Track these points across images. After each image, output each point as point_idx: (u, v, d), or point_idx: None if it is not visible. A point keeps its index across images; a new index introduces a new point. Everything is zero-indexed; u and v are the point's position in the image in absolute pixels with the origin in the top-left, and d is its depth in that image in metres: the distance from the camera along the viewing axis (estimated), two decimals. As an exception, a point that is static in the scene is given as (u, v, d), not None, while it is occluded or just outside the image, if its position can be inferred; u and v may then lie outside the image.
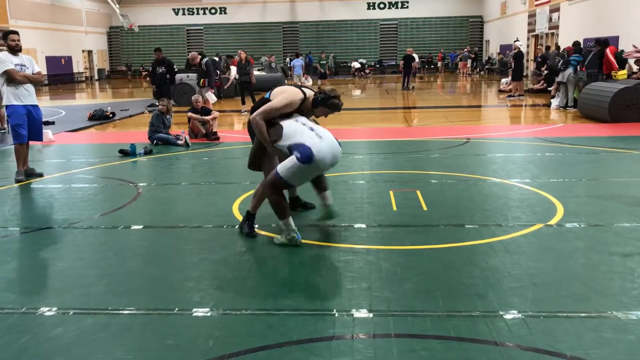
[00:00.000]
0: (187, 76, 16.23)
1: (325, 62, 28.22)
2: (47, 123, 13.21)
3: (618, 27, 19.73)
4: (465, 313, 3.44)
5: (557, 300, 3.60)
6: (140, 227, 5.38)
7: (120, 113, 16.50)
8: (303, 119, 4.83)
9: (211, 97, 13.82)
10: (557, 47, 20.23)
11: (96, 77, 42.22)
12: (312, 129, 4.71)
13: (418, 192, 6.32)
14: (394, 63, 41.65)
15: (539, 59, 21.20)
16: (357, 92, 25.08)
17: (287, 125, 4.71)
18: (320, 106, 4.94)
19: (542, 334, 3.17)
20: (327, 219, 5.11)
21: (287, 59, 28.84)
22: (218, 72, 16.16)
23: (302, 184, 4.91)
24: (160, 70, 14.50)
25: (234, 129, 13.25)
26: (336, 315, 3.46)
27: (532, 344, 3.07)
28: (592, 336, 3.14)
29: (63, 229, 5.41)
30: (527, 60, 24.05)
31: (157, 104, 11.77)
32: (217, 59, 20.54)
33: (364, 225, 5.26)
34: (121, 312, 3.57)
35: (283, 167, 4.61)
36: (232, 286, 3.95)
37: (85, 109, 17.55)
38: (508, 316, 3.38)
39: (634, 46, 6.03)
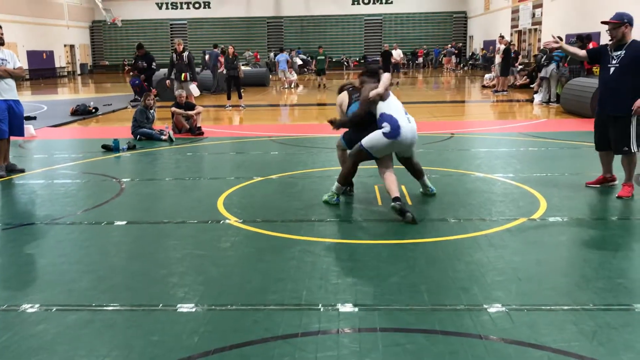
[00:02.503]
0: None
1: (323, 57, 23.50)
2: (29, 118, 13.06)
3: (600, 23, 19.90)
4: (450, 307, 3.46)
5: (540, 293, 3.64)
6: (124, 222, 5.34)
7: (103, 108, 16.34)
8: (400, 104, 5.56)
9: (195, 90, 13.71)
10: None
11: (78, 71, 41.75)
12: (405, 113, 5.47)
13: (403, 187, 6.32)
14: (378, 59, 41.71)
15: (513, 55, 21.36)
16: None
17: (393, 98, 5.50)
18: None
19: (525, 327, 3.20)
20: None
21: (272, 54, 28.65)
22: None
23: (380, 156, 5.51)
24: (143, 65, 14.49)
25: (218, 124, 13.18)
26: (322, 309, 3.46)
27: (515, 337, 3.10)
28: (574, 329, 3.17)
29: (45, 225, 5.36)
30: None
31: (139, 98, 11.67)
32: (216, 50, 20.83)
33: (349, 220, 5.27)
34: (105, 308, 3.54)
35: (368, 139, 5.36)
36: (217, 282, 3.94)
37: (67, 104, 17.36)
38: (492, 309, 3.41)
39: (553, 36, 6.28)
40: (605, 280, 3.84)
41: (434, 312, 3.40)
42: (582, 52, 6.30)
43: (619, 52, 5.71)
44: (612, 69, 5.74)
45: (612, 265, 4.11)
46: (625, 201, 5.78)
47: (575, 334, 3.11)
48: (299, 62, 25.12)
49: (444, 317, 3.33)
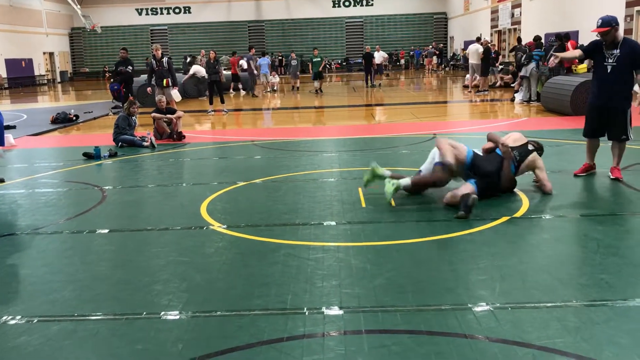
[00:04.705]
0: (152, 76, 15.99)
1: (319, 59, 21.95)
2: (9, 127, 12.90)
3: (578, 22, 20.17)
4: (434, 307, 3.47)
5: (523, 291, 3.66)
6: (107, 231, 5.29)
7: (84, 116, 16.19)
8: None
9: (176, 95, 13.63)
10: (519, 40, 20.57)
11: (58, 79, 41.36)
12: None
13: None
14: (360, 61, 41.80)
15: (493, 55, 21.49)
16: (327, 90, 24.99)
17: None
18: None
19: (510, 325, 3.22)
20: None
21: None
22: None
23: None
24: (125, 70, 14.49)
25: (200, 129, 13.12)
26: (307, 313, 3.45)
27: (500, 335, 3.11)
28: (558, 325, 3.20)
29: (26, 235, 5.29)
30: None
31: (121, 105, 11.58)
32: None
33: (333, 223, 5.27)
34: (88, 318, 3.50)
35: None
36: (201, 288, 3.91)
37: (47, 112, 17.18)
38: (477, 309, 3.42)
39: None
40: (588, 276, 3.87)
41: (419, 313, 3.40)
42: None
43: (614, 51, 6.15)
44: (609, 67, 6.19)
45: (594, 261, 4.15)
46: (605, 198, 5.87)
47: (559, 331, 3.13)
48: (294, 63, 24.63)
49: (429, 318, 3.34)
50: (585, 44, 16.27)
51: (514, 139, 6.07)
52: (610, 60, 6.16)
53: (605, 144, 6.63)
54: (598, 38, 6.29)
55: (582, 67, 14.06)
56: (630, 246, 4.49)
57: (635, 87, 6.57)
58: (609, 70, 6.17)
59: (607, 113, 6.32)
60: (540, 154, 6.16)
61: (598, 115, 6.42)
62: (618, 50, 6.11)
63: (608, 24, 6.06)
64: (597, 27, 6.14)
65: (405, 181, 5.86)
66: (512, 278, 3.87)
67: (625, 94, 6.20)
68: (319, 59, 22.02)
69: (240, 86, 23.26)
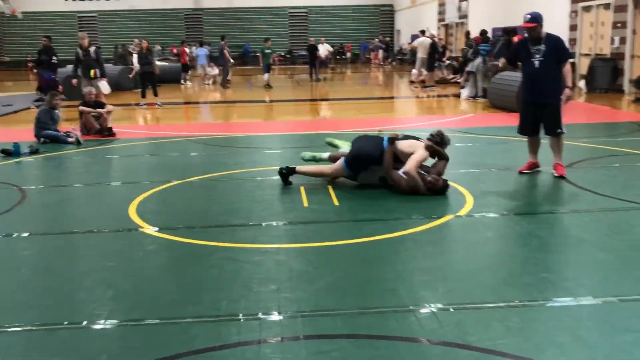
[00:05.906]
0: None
1: (270, 51, 21.07)
2: None
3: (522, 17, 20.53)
4: (376, 310, 3.37)
5: (466, 291, 3.61)
6: (26, 234, 4.94)
7: (3, 109, 15.25)
8: None
9: (105, 87, 12.99)
10: (467, 34, 20.67)
11: (-26, 69, 38.85)
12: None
13: (330, 187, 6.22)
14: (305, 53, 41.43)
15: (440, 49, 21.61)
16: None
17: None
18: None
19: (452, 326, 3.16)
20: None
21: (193, 48, 27.63)
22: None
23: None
24: (51, 59, 13.85)
25: (132, 124, 12.59)
26: (242, 320, 3.29)
27: (442, 337, 3.04)
28: (500, 326, 3.15)
29: None
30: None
31: (44, 98, 10.96)
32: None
33: (274, 223, 5.10)
34: (3, 330, 3.24)
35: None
36: (129, 295, 3.70)
37: (-38, 104, 16.14)
38: (419, 310, 3.35)
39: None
40: (531, 275, 3.86)
41: (360, 316, 3.30)
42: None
43: (539, 46, 6.31)
44: (537, 62, 6.33)
45: (537, 260, 4.14)
46: (549, 196, 6.00)
47: (501, 332, 3.09)
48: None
49: (370, 321, 3.24)
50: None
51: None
52: (537, 56, 6.32)
53: (546, 141, 6.69)
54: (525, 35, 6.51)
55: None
56: (572, 244, 4.54)
57: (576, 86, 6.83)
58: (536, 65, 6.30)
59: (541, 108, 6.43)
60: (432, 149, 6.04)
61: (532, 111, 6.52)
62: (543, 46, 6.26)
63: (536, 20, 6.27)
64: (525, 22, 6.33)
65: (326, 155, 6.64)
66: (455, 278, 3.83)
67: (555, 87, 6.34)
68: (270, 51, 21.18)
69: (186, 77, 22.95)
